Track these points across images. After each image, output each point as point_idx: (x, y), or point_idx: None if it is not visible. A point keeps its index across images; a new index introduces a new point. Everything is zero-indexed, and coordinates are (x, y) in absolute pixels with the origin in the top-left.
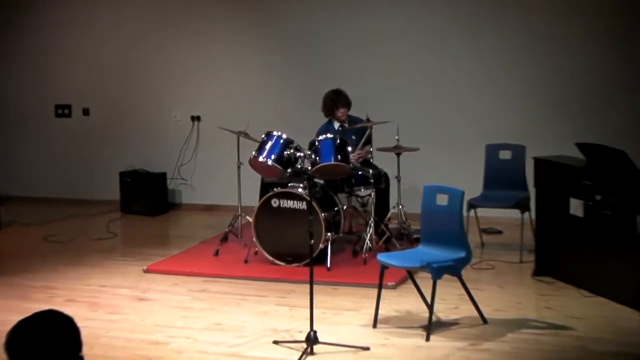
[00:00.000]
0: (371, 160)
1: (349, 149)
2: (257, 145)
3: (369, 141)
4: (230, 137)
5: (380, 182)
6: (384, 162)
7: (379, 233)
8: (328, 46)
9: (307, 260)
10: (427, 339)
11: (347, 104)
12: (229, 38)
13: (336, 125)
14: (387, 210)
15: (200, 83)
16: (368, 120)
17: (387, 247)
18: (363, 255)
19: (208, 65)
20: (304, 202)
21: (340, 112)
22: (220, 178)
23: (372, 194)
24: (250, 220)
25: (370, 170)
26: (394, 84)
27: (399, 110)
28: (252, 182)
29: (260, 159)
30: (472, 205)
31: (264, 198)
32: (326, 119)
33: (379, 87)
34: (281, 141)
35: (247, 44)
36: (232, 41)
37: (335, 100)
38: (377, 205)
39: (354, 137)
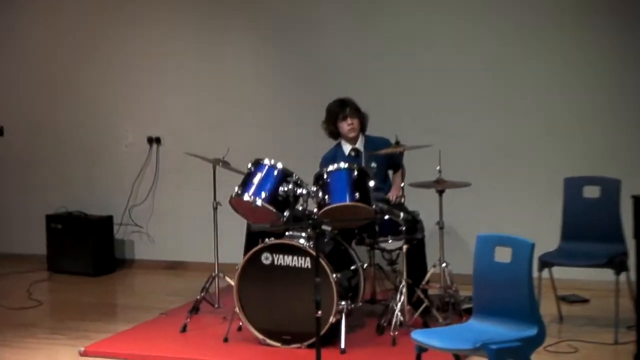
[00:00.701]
0: (402, 200)
1: (371, 183)
2: (241, 178)
3: (397, 168)
4: (203, 166)
5: (415, 230)
6: (420, 202)
7: (413, 302)
8: (338, 46)
9: (313, 340)
10: None
11: (357, 114)
12: (200, 37)
13: (346, 148)
14: (425, 269)
15: (160, 94)
16: (398, 143)
17: (426, 322)
18: (391, 333)
19: (172, 71)
20: (308, 259)
21: (347, 125)
22: (188, 224)
23: (404, 247)
24: (232, 283)
25: (402, 214)
26: (433, 98)
27: (442, 132)
28: (235, 230)
29: (246, 197)
30: (546, 263)
31: (251, 252)
32: (334, 143)
33: (412, 101)
34: (275, 173)
35: (223, 44)
36: (203, 42)
37: (338, 111)
38: (411, 263)
39: (373, 165)
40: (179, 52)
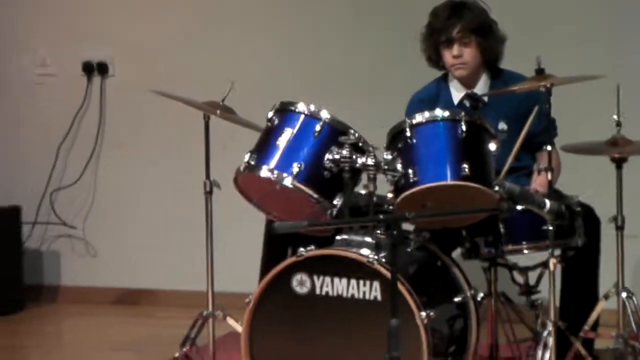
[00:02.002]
0: (549, 177)
1: (493, 147)
2: (255, 138)
3: (544, 133)
4: (186, 117)
5: (574, 231)
6: (585, 182)
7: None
8: None
9: None
10: None
11: (476, 36)
12: None
13: (457, 92)
14: (592, 303)
15: None
16: (540, 70)
17: None
18: None
19: None
20: (377, 284)
21: (451, 58)
22: (157, 223)
23: (554, 262)
24: (240, 329)
25: (548, 202)
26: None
27: (623, 54)
28: (244, 232)
29: (265, 172)
30: None
31: (273, 273)
32: (438, 75)
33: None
34: (317, 128)
35: None
36: None
37: (441, 24)
38: (566, 292)
39: (503, 126)
40: None
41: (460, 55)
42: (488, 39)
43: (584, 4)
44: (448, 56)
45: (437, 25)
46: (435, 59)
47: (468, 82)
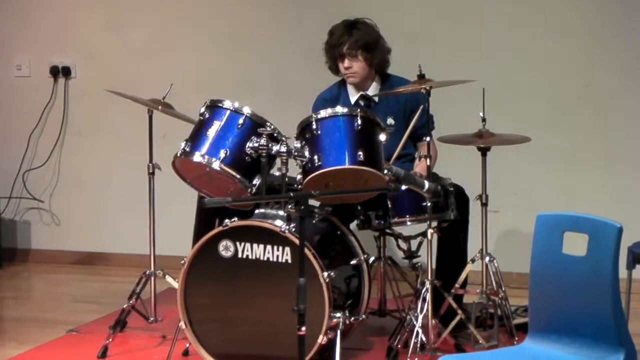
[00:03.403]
0: (428, 163)
1: (383, 137)
2: (189, 129)
3: (424, 127)
4: (134, 111)
5: (447, 207)
6: (456, 167)
7: (442, 314)
8: None
9: None
10: None
11: (362, 52)
12: None
13: (353, 93)
14: (461, 265)
15: (71, 3)
16: (421, 76)
17: (459, 344)
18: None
19: None
20: (289, 249)
21: (344, 69)
22: (111, 198)
23: (431, 232)
24: (176, 285)
25: (427, 184)
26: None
27: (486, 65)
28: (180, 206)
29: (197, 157)
30: (639, 256)
31: (203, 240)
32: (338, 79)
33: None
34: (240, 121)
35: None
36: None
37: (335, 43)
38: (441, 257)
39: (391, 121)
40: None
41: (350, 67)
42: (374, 53)
43: (457, 24)
44: (341, 67)
45: (332, 42)
46: (334, 68)
47: (361, 86)
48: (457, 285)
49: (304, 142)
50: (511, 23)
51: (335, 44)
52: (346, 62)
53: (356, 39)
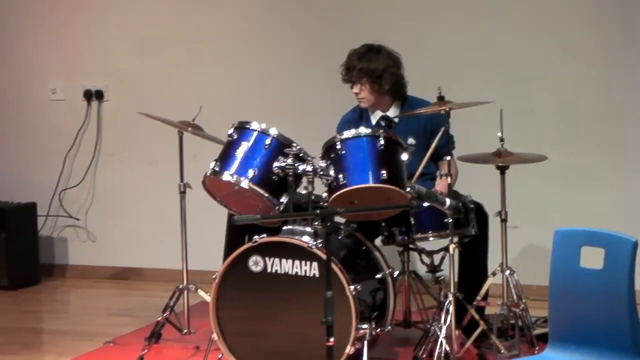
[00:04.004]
0: (448, 181)
1: (405, 157)
2: (218, 150)
3: (445, 147)
4: (165, 133)
5: (468, 223)
6: (476, 185)
7: (465, 325)
8: None
9: None
10: None
11: (370, 78)
12: None
13: (375, 114)
14: (483, 279)
15: (102, 31)
16: (441, 97)
17: (482, 354)
18: None
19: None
20: (316, 264)
21: (354, 90)
22: (144, 216)
23: (453, 247)
24: (207, 299)
25: (448, 201)
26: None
27: (505, 85)
28: (211, 223)
29: (226, 177)
30: None
31: (234, 256)
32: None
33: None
34: (267, 142)
35: None
36: None
37: (346, 70)
38: (463, 271)
39: (412, 140)
40: None
41: (359, 92)
42: (380, 82)
43: (474, 47)
44: (353, 91)
45: (346, 66)
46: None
47: (380, 108)
48: (478, 298)
49: (329, 162)
50: (527, 44)
51: (347, 70)
52: (355, 88)
53: (360, 68)
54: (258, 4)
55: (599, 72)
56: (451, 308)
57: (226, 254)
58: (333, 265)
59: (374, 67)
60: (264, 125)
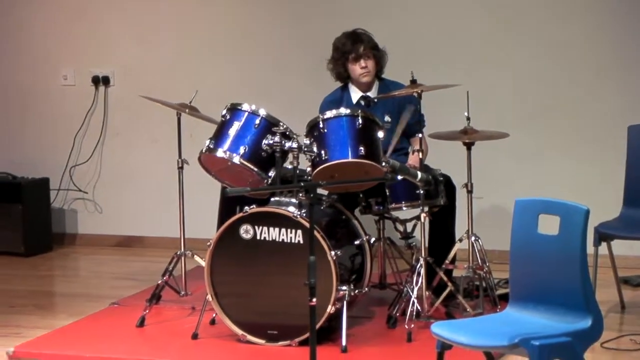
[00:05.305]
0: (420, 156)
1: (380, 134)
2: (213, 129)
3: (416, 125)
4: (164, 114)
5: (438, 194)
6: (444, 159)
7: (434, 286)
8: None
9: (306, 336)
10: None
11: (373, 54)
12: None
13: (355, 94)
14: (450, 244)
15: (109, 23)
16: (413, 81)
17: (450, 312)
18: (406, 327)
19: None
20: (300, 231)
21: (360, 68)
22: (146, 189)
23: (423, 216)
24: (203, 263)
25: (419, 174)
26: (459, 25)
27: (471, 70)
28: (206, 195)
29: (220, 153)
30: (604, 235)
31: (226, 224)
32: (339, 86)
33: (433, 30)
34: (257, 121)
35: None
36: None
37: (350, 49)
38: (433, 237)
39: (388, 118)
40: None
41: (366, 66)
42: (381, 53)
43: (447, 34)
44: (357, 68)
45: (345, 49)
46: (343, 75)
47: (365, 87)
48: (447, 261)
49: (312, 139)
50: (488, 34)
51: (349, 50)
52: (362, 62)
53: (368, 41)
54: (245, 3)
55: (555, 63)
56: (422, 271)
57: (219, 223)
58: (315, 233)
59: (374, 42)
60: (254, 107)
